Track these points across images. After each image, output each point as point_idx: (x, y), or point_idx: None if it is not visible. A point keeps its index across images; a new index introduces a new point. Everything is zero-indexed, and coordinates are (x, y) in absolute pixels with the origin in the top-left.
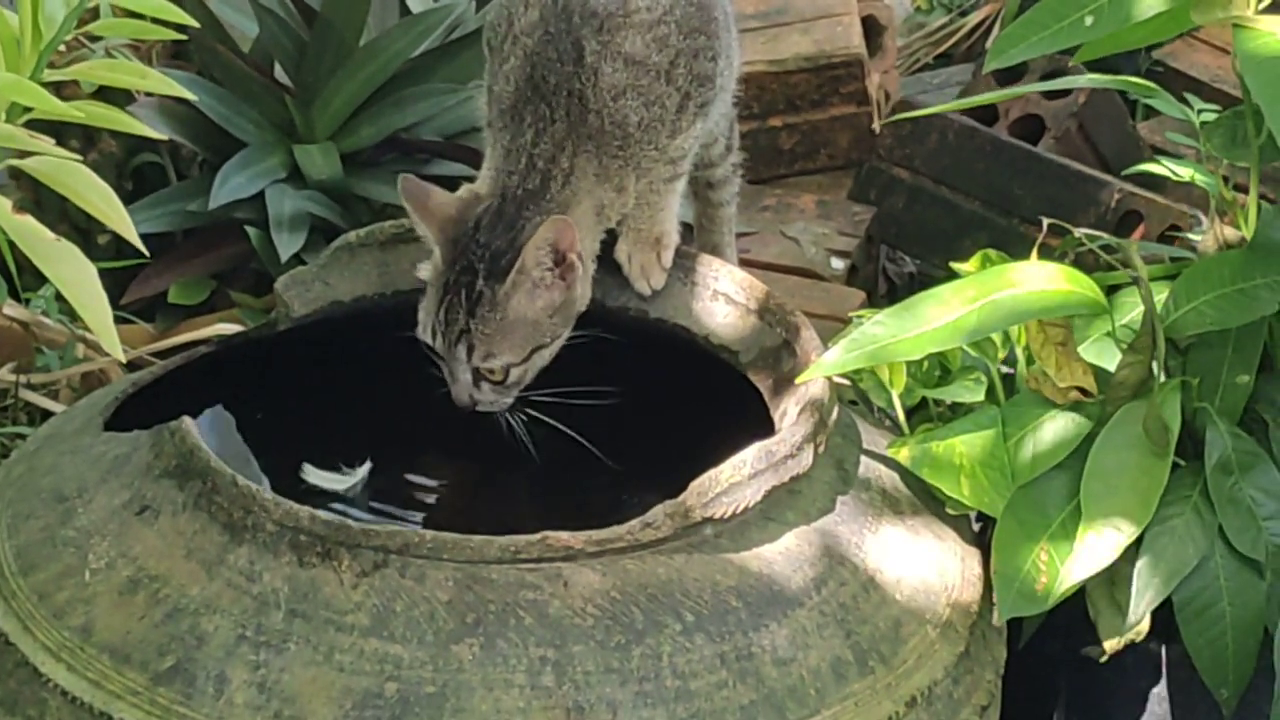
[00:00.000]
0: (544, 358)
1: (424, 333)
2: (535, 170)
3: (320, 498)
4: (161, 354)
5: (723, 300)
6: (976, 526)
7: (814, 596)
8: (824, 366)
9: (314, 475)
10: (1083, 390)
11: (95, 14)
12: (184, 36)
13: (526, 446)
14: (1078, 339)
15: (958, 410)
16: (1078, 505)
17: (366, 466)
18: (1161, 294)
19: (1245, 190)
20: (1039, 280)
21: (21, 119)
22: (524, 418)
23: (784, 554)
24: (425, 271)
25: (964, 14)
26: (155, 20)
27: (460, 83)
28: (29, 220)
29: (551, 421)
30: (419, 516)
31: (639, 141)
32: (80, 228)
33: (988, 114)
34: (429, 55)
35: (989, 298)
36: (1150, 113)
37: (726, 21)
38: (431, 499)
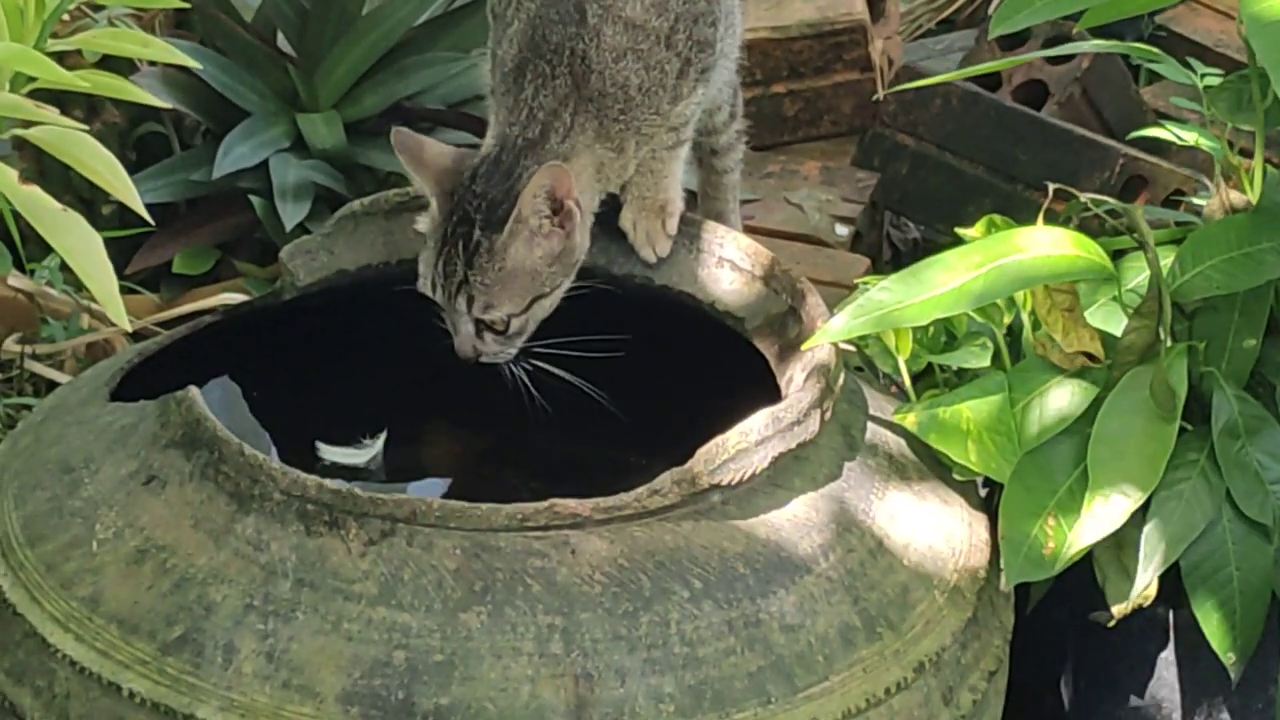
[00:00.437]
0: (545, 308)
1: (424, 285)
2: (535, 122)
3: (343, 474)
4: (167, 324)
5: (728, 267)
6: (983, 492)
7: (821, 563)
8: (830, 333)
9: (330, 452)
10: (1090, 356)
11: None
12: (187, 5)
13: (531, 396)
14: (1084, 304)
15: (964, 376)
16: (1085, 470)
17: (382, 438)
18: (1167, 259)
19: (1250, 154)
20: (1045, 245)
21: (25, 89)
22: (528, 368)
23: (791, 520)
24: (424, 224)
25: None
26: None
27: (463, 51)
28: (35, 190)
29: (556, 371)
30: (425, 484)
31: (640, 105)
32: (84, 198)
33: (991, 79)
34: (432, 23)
35: (995, 263)
36: (1154, 78)
37: None
38: (438, 467)
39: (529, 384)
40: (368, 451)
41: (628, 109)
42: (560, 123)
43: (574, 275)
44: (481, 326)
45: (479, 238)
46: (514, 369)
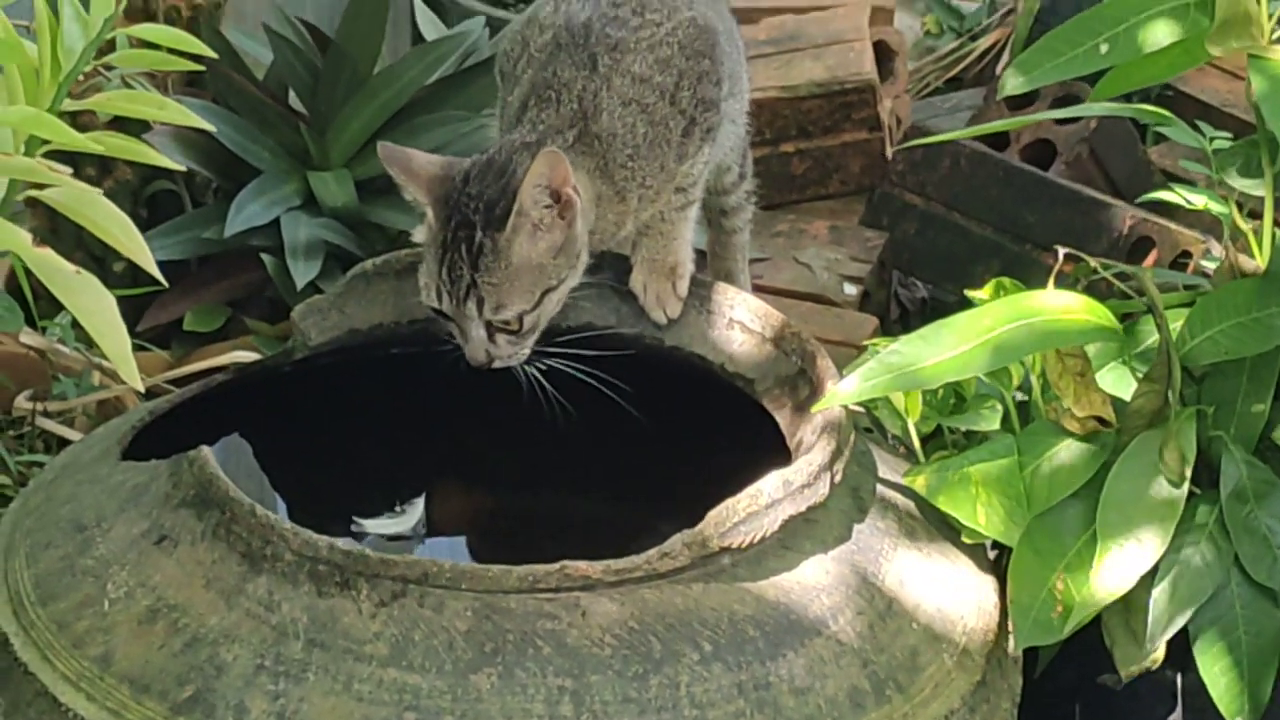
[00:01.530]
0: (554, 302)
1: (429, 296)
2: (535, 130)
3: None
4: (177, 381)
5: (739, 328)
6: (992, 555)
7: (831, 625)
8: (841, 395)
9: (372, 525)
10: (1101, 420)
11: (112, 45)
12: (201, 68)
13: (547, 398)
14: (1094, 368)
15: (973, 438)
16: (1094, 534)
17: (421, 502)
18: (1176, 322)
19: (1259, 217)
20: (1056, 309)
21: (40, 150)
22: (542, 368)
23: (801, 583)
24: (420, 234)
25: (974, 38)
26: (171, 50)
27: (474, 110)
28: (49, 253)
29: (570, 366)
30: (437, 544)
31: (646, 156)
32: (96, 255)
33: (999, 139)
34: (443, 83)
35: (1007, 326)
36: (1161, 137)
37: (735, 52)
38: (449, 526)
39: (544, 383)
40: (408, 519)
41: (635, 156)
42: (561, 137)
43: (581, 270)
44: (493, 329)
45: (481, 238)
46: (527, 369)
